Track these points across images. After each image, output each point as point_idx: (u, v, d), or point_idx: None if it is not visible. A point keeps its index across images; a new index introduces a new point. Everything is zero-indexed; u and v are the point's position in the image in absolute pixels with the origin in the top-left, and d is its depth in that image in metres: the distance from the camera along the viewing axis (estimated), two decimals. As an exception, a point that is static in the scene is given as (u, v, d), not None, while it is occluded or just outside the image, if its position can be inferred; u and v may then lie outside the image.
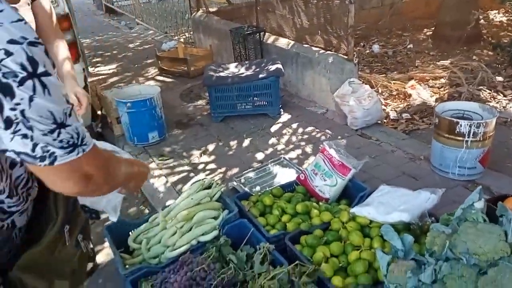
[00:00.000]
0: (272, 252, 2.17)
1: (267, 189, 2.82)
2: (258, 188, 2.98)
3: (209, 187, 2.71)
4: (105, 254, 2.82)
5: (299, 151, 3.61)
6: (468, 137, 2.87)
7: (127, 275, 2.18)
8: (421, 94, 4.58)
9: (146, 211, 3.25)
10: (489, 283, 1.57)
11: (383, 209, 2.22)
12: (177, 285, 2.02)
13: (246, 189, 2.98)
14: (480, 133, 2.85)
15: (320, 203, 2.59)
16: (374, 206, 2.28)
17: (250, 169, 3.26)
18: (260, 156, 3.60)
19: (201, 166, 3.54)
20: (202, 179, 2.77)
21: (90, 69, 6.25)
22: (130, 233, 2.58)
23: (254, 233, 2.34)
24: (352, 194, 2.64)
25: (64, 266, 1.13)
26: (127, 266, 2.34)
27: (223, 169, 3.45)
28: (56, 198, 1.12)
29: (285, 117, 4.27)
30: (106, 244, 2.68)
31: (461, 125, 2.87)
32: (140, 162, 1.34)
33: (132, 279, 2.17)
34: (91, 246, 1.30)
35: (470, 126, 2.85)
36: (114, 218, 1.73)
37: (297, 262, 1.94)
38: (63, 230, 1.11)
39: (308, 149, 3.64)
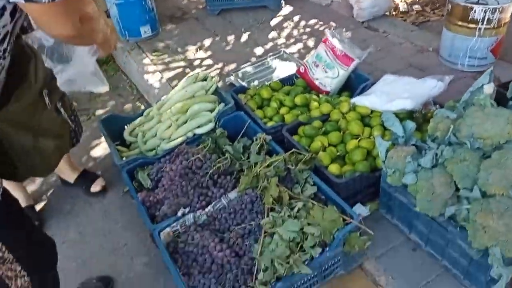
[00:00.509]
0: (269, 142, 2.12)
1: (266, 83, 2.69)
2: (256, 82, 2.86)
3: (204, 80, 2.59)
4: (102, 148, 2.80)
5: (300, 45, 3.41)
6: (482, 24, 2.65)
7: (123, 165, 2.17)
8: (434, -18, 4.20)
9: (142, 107, 3.18)
10: (492, 166, 1.51)
11: (386, 97, 2.12)
12: (172, 174, 2.00)
13: (244, 83, 2.86)
14: (494, 19, 2.63)
15: (320, 96, 2.48)
16: (376, 95, 2.17)
17: (248, 64, 3.10)
18: (259, 51, 3.41)
19: (197, 62, 3.37)
20: (197, 73, 2.64)
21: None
22: (126, 127, 2.52)
23: (251, 126, 2.27)
24: (354, 86, 2.51)
25: (46, 127, 1.20)
26: (124, 158, 2.33)
27: (220, 65, 3.29)
28: (36, 66, 1.15)
29: (286, 9, 3.98)
30: (103, 139, 2.65)
31: (475, 11, 2.64)
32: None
33: (128, 169, 2.16)
34: (72, 118, 1.44)
35: (485, 12, 2.61)
36: (105, 86, 1.62)
37: (293, 150, 1.89)
38: (42, 94, 1.17)
39: (310, 42, 3.43)
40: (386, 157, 1.78)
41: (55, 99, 1.26)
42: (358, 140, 2.04)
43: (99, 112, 3.22)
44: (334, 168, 1.96)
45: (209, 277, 1.62)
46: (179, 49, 3.56)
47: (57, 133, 1.26)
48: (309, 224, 1.65)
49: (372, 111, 2.16)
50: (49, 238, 1.46)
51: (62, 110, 1.28)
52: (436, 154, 1.66)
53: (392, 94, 2.10)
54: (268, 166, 1.89)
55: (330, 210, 1.67)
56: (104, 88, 1.64)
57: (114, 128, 2.48)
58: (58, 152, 1.29)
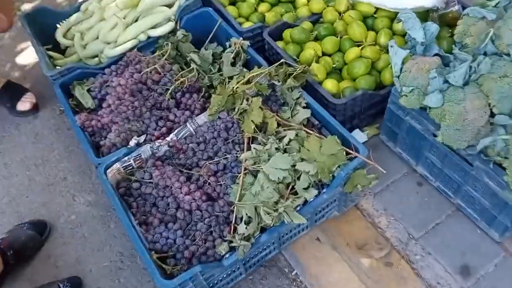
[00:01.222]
0: (247, 50, 1.65)
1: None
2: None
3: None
4: (32, 53, 2.20)
5: None
6: None
7: (54, 77, 1.65)
8: None
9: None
10: (544, 86, 1.15)
11: (397, -8, 1.64)
12: (121, 90, 1.52)
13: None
14: None
15: (309, -11, 1.96)
16: (384, -10, 1.69)
17: None
18: None
19: None
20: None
21: None
22: (59, 25, 1.94)
23: (223, 27, 1.76)
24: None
25: None
26: (57, 67, 1.80)
27: None
28: None
29: None
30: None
31: None
32: None
33: (63, 82, 1.65)
34: None
35: None
36: None
37: (282, 60, 1.43)
38: None
39: None
40: (401, 70, 1.37)
41: None
42: (360, 48, 1.61)
43: (27, 5, 2.54)
44: (330, 85, 1.55)
45: (173, 228, 1.25)
46: None
47: None
48: (302, 159, 1.28)
49: (377, 10, 1.70)
50: None
51: None
52: (471, 68, 1.27)
53: (406, -12, 1.62)
54: (248, 82, 1.45)
55: (329, 141, 1.29)
56: None
57: (44, 27, 1.91)
58: None
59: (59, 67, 1.80)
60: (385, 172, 1.27)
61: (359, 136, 1.59)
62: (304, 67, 1.47)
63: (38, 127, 1.92)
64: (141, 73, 1.56)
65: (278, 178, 1.23)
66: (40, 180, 1.73)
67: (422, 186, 1.54)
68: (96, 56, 1.86)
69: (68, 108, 1.57)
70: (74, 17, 1.94)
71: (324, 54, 1.66)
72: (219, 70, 1.70)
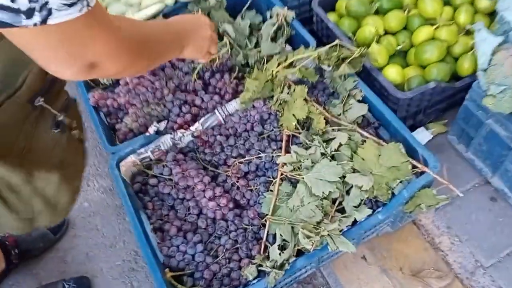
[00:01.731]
0: (292, 24, 1.37)
1: None
2: None
3: None
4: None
5: None
6: None
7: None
8: None
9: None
10: None
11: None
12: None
13: None
14: None
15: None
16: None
17: None
18: None
19: None
20: None
21: None
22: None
23: (264, -8, 1.48)
24: None
25: (42, 152, 0.81)
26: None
27: None
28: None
29: None
30: None
31: None
32: (187, 17, 0.93)
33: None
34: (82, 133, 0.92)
35: None
36: None
37: (336, 42, 1.15)
38: (33, 100, 0.75)
39: None
40: (489, 63, 1.07)
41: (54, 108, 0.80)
42: (434, 27, 1.29)
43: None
44: (393, 72, 1.26)
45: (193, 241, 1.05)
46: None
47: (62, 160, 0.86)
48: (354, 170, 1.03)
49: (456, -22, 1.37)
50: None
51: (67, 121, 0.84)
52: None
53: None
54: (290, 65, 1.19)
55: (391, 149, 1.02)
56: None
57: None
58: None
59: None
60: (462, 195, 1.00)
61: (423, 135, 1.31)
62: (363, 50, 1.18)
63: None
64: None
65: (323, 192, 0.99)
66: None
67: (496, 202, 1.26)
68: (119, 20, 1.63)
69: (81, 82, 1.36)
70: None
71: (386, 32, 1.35)
72: (257, 45, 1.43)
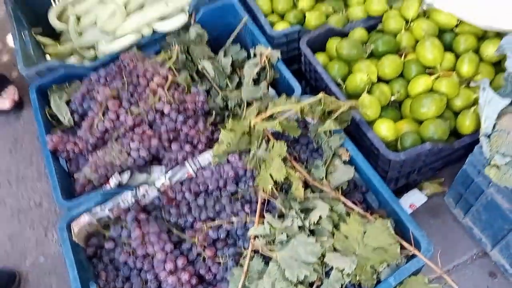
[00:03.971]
0: (276, 65, 1.24)
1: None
2: None
3: None
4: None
5: None
6: None
7: (30, 76, 1.30)
8: None
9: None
10: None
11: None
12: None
13: None
14: None
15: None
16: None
17: None
18: None
19: None
20: None
21: None
22: (53, 3, 1.59)
23: (249, 27, 1.35)
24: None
25: None
26: (48, 58, 1.48)
27: None
28: None
29: None
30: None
31: None
32: None
33: (40, 85, 1.30)
34: None
35: None
36: None
37: (320, 95, 1.02)
38: None
39: None
40: (494, 128, 0.94)
41: None
42: (433, 77, 1.16)
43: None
44: (384, 128, 1.13)
45: (147, 324, 0.91)
46: None
47: None
48: (335, 249, 0.89)
49: (458, 23, 1.24)
50: None
51: None
52: None
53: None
54: (270, 117, 1.05)
55: (379, 227, 0.89)
56: None
57: (36, 4, 1.56)
58: None
59: (49, 59, 1.47)
60: (458, 289, 0.86)
61: (417, 198, 1.18)
62: (352, 104, 1.05)
63: (19, 131, 1.59)
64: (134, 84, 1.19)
65: (298, 276, 0.85)
66: (11, 203, 1.41)
67: (496, 278, 1.13)
68: (94, 47, 1.50)
69: (41, 122, 1.22)
70: (69, -5, 1.58)
71: (379, 79, 1.22)
72: (239, 85, 1.30)
